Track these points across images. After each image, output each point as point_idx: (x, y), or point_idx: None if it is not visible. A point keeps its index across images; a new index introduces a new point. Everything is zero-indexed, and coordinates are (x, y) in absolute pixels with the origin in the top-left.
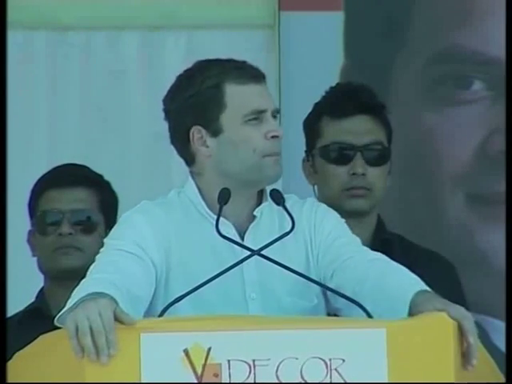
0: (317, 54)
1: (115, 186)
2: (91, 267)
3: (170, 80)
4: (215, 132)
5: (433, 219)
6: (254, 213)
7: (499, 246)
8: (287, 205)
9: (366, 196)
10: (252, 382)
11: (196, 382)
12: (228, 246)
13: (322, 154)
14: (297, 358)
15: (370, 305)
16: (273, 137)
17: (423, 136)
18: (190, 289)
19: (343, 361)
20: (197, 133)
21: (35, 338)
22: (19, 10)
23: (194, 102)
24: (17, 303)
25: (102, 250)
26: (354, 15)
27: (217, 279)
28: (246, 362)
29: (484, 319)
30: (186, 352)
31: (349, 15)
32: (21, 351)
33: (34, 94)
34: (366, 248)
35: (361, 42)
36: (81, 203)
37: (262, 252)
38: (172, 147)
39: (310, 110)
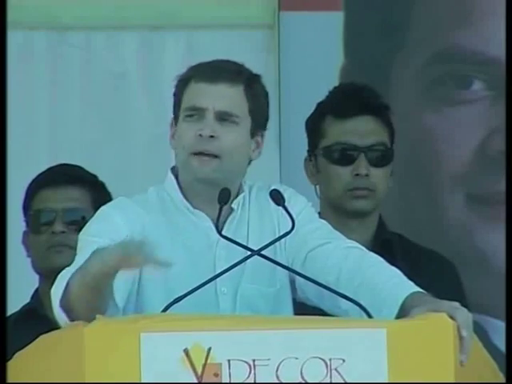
0: (317, 54)
1: (115, 186)
2: (68, 267)
3: (169, 80)
4: (176, 126)
5: (433, 219)
6: (232, 205)
7: (499, 246)
8: (253, 193)
9: (369, 197)
10: (252, 381)
11: (196, 381)
12: (205, 242)
13: (325, 154)
14: (297, 358)
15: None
16: (200, 135)
17: (423, 136)
18: (190, 289)
19: (343, 361)
20: (171, 126)
21: (31, 338)
22: (19, 9)
23: (173, 95)
24: (16, 303)
25: (78, 246)
26: (353, 15)
27: (188, 273)
28: (246, 361)
29: (484, 319)
30: (186, 352)
31: (348, 15)
32: (21, 351)
33: (34, 94)
34: (337, 233)
35: (361, 41)
36: (74, 202)
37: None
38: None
39: (309, 109)
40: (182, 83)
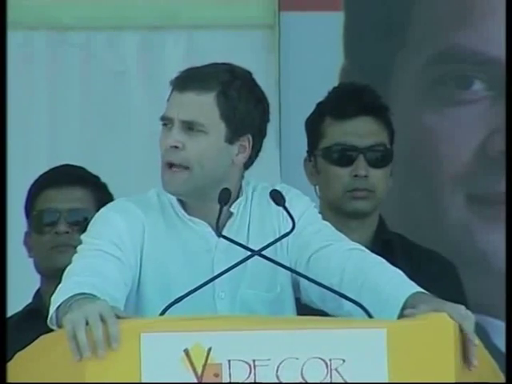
0: (317, 54)
1: (115, 186)
2: (69, 267)
3: (170, 80)
4: None
5: (433, 219)
6: (231, 209)
7: (499, 246)
8: (256, 194)
9: (369, 198)
10: (252, 382)
11: (196, 381)
12: (203, 246)
13: (325, 155)
14: (297, 358)
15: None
16: (170, 146)
17: (423, 136)
18: (190, 289)
19: (343, 361)
20: None
21: (33, 339)
22: (19, 9)
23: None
24: (17, 304)
25: (79, 247)
26: (353, 15)
27: (187, 277)
28: (246, 362)
29: (484, 319)
30: (187, 352)
31: (349, 15)
32: (21, 351)
33: (34, 94)
34: (340, 234)
35: (361, 41)
36: (78, 202)
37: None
38: None
39: (309, 109)
40: (170, 90)
